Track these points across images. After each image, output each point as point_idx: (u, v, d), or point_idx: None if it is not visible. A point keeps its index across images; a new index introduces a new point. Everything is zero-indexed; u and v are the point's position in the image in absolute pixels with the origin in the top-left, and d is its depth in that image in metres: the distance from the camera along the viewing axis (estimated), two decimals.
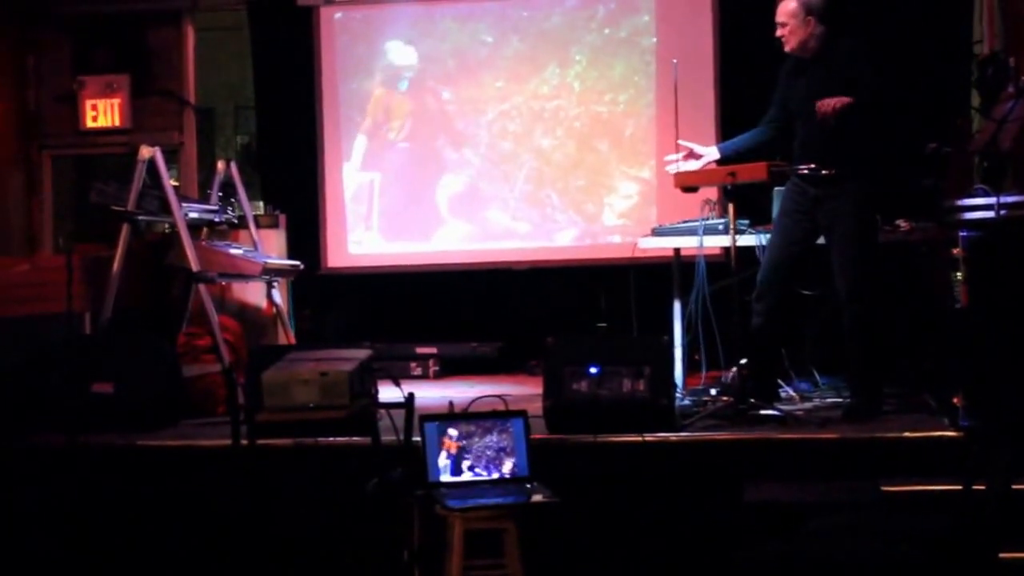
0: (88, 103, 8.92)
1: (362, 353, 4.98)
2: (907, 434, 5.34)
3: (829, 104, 5.64)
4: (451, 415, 5.03)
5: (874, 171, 5.86)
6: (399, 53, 8.80)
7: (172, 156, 8.74)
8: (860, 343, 5.83)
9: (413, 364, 8.21)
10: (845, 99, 5.63)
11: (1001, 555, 4.32)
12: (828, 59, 5.88)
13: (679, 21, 8.44)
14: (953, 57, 7.88)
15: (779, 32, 5.94)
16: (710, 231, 6.44)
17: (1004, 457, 4.52)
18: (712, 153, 6.26)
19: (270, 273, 7.26)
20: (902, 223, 6.54)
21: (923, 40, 7.82)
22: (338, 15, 8.88)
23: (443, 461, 4.83)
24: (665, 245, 6.76)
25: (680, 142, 6.23)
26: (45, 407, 5.95)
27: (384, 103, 8.83)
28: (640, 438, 5.37)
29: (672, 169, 6.27)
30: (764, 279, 6.04)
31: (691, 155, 6.26)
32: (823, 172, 5.78)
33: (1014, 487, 4.56)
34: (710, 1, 8.35)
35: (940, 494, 4.88)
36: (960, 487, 4.67)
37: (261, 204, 8.58)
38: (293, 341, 7.53)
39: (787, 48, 5.96)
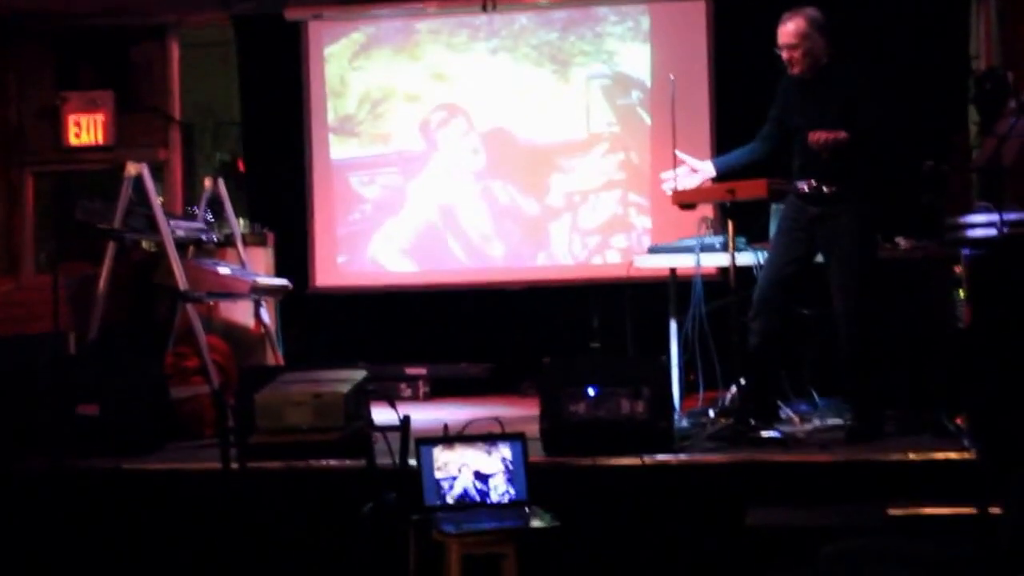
0: (71, 119, 8.85)
1: (357, 374, 4.88)
2: (912, 456, 5.24)
3: (822, 137, 5.56)
4: (447, 438, 4.94)
5: (874, 190, 5.76)
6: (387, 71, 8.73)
7: (157, 173, 8.62)
8: (858, 365, 5.73)
9: (403, 385, 8.12)
10: (840, 134, 5.54)
11: None
12: (829, 80, 5.75)
13: (674, 37, 8.37)
14: (949, 73, 7.82)
15: (786, 55, 5.75)
16: (707, 249, 6.35)
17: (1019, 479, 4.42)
18: (708, 168, 6.15)
19: (259, 292, 7.16)
20: (901, 241, 6.48)
21: (919, 56, 7.77)
22: (327, 30, 8.78)
23: None
24: (661, 264, 6.66)
25: (677, 153, 6.12)
26: (29, 430, 5.82)
27: (374, 122, 8.73)
28: (639, 460, 5.26)
29: (668, 188, 6.16)
30: (760, 298, 5.93)
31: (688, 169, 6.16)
32: (824, 190, 5.67)
33: None
34: (704, 17, 8.29)
35: (947, 517, 4.78)
36: (966, 511, 4.58)
37: (241, 221, 8.47)
38: (281, 362, 7.43)
39: (795, 71, 5.78)
